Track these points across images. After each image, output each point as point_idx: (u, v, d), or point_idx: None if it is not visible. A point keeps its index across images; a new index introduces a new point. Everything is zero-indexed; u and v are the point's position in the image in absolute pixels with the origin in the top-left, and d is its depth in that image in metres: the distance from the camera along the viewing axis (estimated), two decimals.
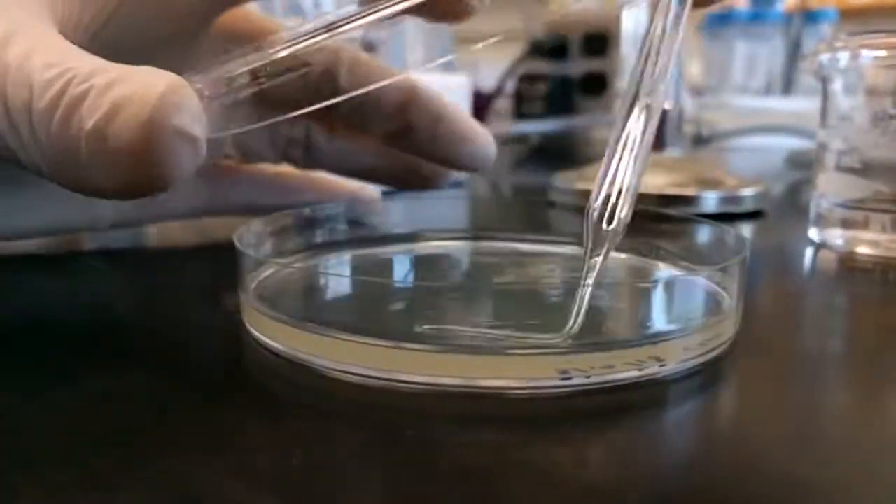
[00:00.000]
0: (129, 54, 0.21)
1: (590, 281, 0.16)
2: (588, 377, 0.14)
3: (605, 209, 0.16)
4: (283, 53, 0.15)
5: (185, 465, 0.12)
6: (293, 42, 0.16)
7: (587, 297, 0.16)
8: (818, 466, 0.12)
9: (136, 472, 0.12)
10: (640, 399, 0.15)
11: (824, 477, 0.12)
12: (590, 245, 0.16)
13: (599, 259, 0.16)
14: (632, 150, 0.16)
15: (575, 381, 0.14)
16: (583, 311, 0.15)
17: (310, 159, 0.28)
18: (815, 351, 0.18)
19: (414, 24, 0.24)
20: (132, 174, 0.15)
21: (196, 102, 0.15)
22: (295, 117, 0.27)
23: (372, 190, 0.30)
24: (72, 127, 0.15)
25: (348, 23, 0.15)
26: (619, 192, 0.16)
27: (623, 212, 0.16)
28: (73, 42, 0.18)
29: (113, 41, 0.19)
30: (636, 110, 0.17)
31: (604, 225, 0.16)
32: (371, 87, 0.19)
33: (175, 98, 0.15)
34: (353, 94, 0.18)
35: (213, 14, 0.22)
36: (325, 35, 0.15)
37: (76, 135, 0.15)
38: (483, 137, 0.27)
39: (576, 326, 0.15)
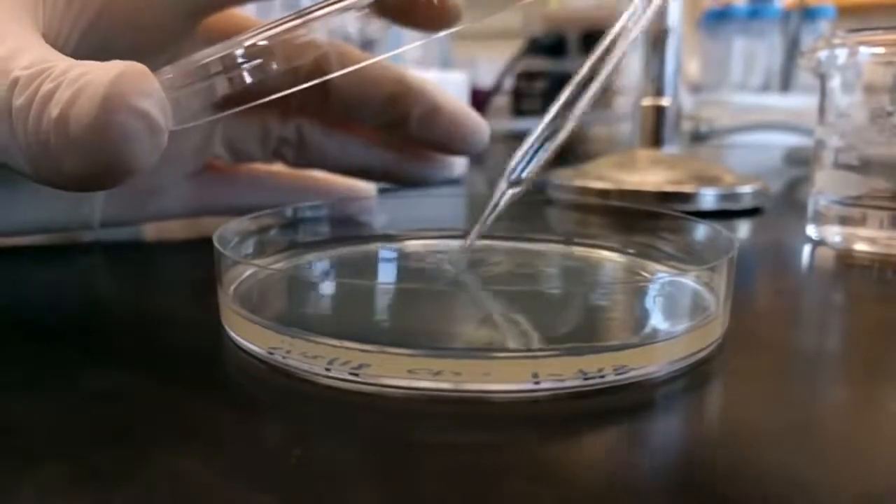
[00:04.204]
0: (119, 56, 0.21)
1: (489, 218, 0.20)
2: (567, 381, 0.14)
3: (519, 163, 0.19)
4: (252, 41, 0.15)
5: (181, 465, 0.12)
6: (263, 29, 0.16)
7: (477, 233, 0.20)
8: (814, 463, 0.12)
9: (132, 472, 0.12)
10: (630, 401, 0.14)
11: (820, 473, 0.12)
12: (496, 198, 0.20)
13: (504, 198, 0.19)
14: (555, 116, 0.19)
15: (554, 385, 0.14)
16: (476, 233, 0.20)
17: (301, 158, 0.28)
18: (811, 348, 0.18)
19: None
20: (93, 158, 0.15)
21: (156, 85, 0.15)
22: (286, 116, 0.27)
23: (366, 187, 0.30)
24: (43, 120, 0.15)
25: (319, 9, 0.15)
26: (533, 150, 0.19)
27: (530, 166, 0.19)
28: (55, 44, 0.18)
29: (95, 49, 0.19)
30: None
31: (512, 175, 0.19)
32: (351, 69, 0.20)
33: (130, 78, 0.15)
34: (340, 72, 0.19)
35: (196, 19, 0.22)
36: (297, 21, 0.15)
37: (46, 127, 0.15)
38: (476, 120, 0.28)
39: (472, 240, 0.19)
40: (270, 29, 0.16)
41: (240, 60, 0.16)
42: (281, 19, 0.16)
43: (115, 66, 0.15)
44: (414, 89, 0.26)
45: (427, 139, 0.27)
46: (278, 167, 0.29)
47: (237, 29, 0.24)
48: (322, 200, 0.25)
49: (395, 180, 0.30)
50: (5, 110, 0.16)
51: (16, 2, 0.18)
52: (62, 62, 0.16)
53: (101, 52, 0.19)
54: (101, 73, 0.15)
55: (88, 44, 0.19)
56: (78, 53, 0.19)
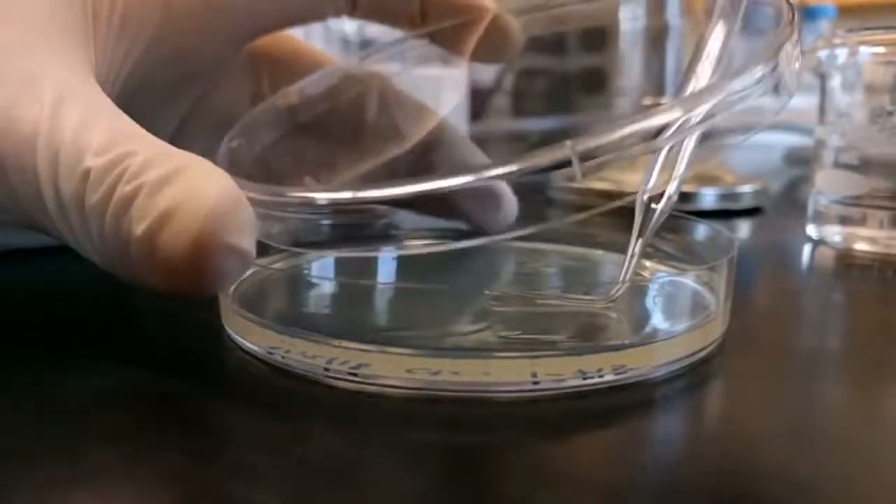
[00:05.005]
0: (164, 87, 0.20)
1: (637, 249, 0.18)
2: (567, 381, 0.14)
3: (654, 193, 0.18)
4: (339, 198, 0.15)
5: (181, 465, 0.12)
6: (343, 198, 0.15)
7: (633, 265, 0.18)
8: (813, 463, 0.12)
9: (132, 472, 0.12)
10: (629, 401, 0.14)
11: (819, 473, 0.12)
12: (639, 221, 0.18)
13: (647, 232, 0.18)
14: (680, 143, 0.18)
15: (554, 385, 0.14)
16: (629, 276, 0.17)
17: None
18: (812, 348, 0.18)
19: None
20: (179, 283, 0.14)
21: (250, 214, 0.14)
22: (323, 141, 0.27)
23: None
24: (122, 228, 0.14)
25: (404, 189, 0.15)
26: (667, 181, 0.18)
27: (670, 193, 0.18)
28: (106, 81, 0.18)
29: (141, 83, 0.19)
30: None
31: (653, 204, 0.18)
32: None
33: (227, 211, 0.14)
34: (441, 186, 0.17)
35: (241, 45, 0.22)
36: (382, 193, 0.15)
37: (126, 237, 0.14)
38: (508, 200, 0.24)
39: (622, 289, 0.17)
40: (362, 192, 0.15)
41: (319, 208, 0.15)
42: (374, 187, 0.15)
43: (206, 188, 0.14)
44: (446, 144, 0.25)
45: (453, 208, 0.24)
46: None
47: (282, 50, 0.24)
48: None
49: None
50: (76, 203, 0.14)
51: (69, 43, 0.17)
52: (138, 151, 0.14)
53: (147, 84, 0.19)
54: (191, 196, 0.14)
55: (136, 79, 0.19)
56: (126, 88, 0.18)
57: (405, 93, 0.24)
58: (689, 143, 0.18)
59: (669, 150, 0.18)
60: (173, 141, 0.15)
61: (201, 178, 0.14)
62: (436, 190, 0.14)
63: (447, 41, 0.22)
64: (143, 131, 0.15)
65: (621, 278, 0.17)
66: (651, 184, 0.18)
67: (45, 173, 0.15)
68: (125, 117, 0.16)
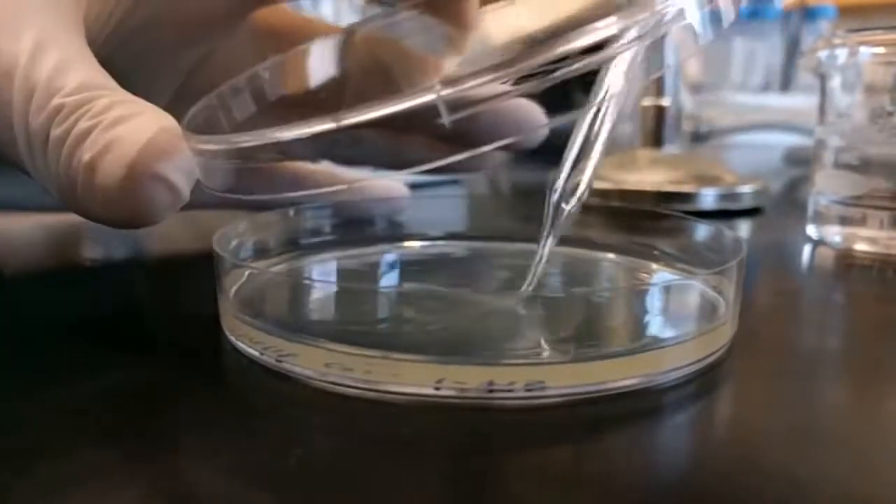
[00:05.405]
0: (158, 37, 0.20)
1: (546, 250, 0.18)
2: (574, 388, 0.14)
3: (567, 191, 0.18)
4: (294, 135, 0.15)
5: (180, 465, 0.12)
6: (305, 126, 0.15)
7: (542, 265, 0.18)
8: (817, 464, 0.12)
9: (131, 472, 0.12)
10: (636, 406, 0.14)
11: (823, 474, 0.12)
12: (549, 222, 0.18)
13: (556, 233, 0.18)
14: (595, 140, 0.19)
15: (573, 391, 0.14)
16: (537, 275, 0.18)
17: (351, 158, 0.27)
18: (813, 349, 0.18)
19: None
20: (115, 210, 0.15)
21: (184, 152, 0.15)
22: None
23: (402, 189, 0.29)
24: (74, 159, 0.15)
25: (360, 114, 0.14)
26: (580, 178, 0.19)
27: (580, 192, 0.18)
28: (96, 36, 0.18)
29: (133, 33, 0.19)
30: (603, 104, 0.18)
31: (563, 204, 0.18)
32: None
33: (163, 143, 0.15)
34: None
35: (239, 13, 0.21)
36: (332, 125, 0.14)
37: (76, 167, 0.15)
38: (535, 111, 0.23)
39: (530, 288, 0.18)
40: (312, 126, 0.15)
41: (275, 149, 0.15)
42: (321, 119, 0.15)
43: (150, 125, 0.15)
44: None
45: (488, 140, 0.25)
46: (322, 165, 0.28)
47: (286, 26, 0.24)
48: (358, 199, 0.25)
49: (451, 172, 0.28)
50: (43, 138, 0.16)
51: None
52: (104, 95, 0.16)
53: (139, 35, 0.19)
54: (134, 130, 0.15)
55: (128, 27, 0.19)
56: (115, 38, 0.19)
57: (404, 47, 0.24)
58: (602, 136, 0.18)
59: (583, 145, 0.19)
60: (169, 108, 0.16)
61: (148, 119, 0.15)
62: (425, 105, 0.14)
63: (443, 12, 0.22)
64: (114, 83, 0.16)
65: (529, 280, 0.18)
66: (562, 182, 0.18)
67: (19, 106, 0.16)
68: (101, 69, 0.17)
